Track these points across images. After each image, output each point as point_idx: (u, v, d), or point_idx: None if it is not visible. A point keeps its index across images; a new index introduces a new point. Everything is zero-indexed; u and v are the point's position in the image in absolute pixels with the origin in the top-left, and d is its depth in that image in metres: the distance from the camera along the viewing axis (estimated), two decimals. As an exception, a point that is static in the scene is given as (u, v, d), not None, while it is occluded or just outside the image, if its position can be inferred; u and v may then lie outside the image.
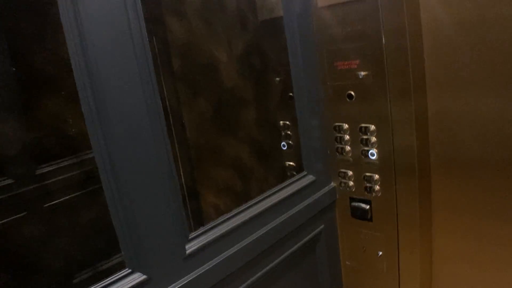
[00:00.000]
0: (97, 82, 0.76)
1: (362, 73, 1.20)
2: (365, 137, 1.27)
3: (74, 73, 0.75)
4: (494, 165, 1.11)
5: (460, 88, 1.13)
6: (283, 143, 1.60)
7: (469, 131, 1.14)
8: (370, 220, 1.35)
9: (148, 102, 0.84)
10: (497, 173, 1.11)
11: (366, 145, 1.28)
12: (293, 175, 1.39)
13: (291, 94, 1.45)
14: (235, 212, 1.11)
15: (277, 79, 1.52)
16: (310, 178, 1.34)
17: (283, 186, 1.27)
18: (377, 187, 1.30)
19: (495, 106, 1.07)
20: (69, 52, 0.74)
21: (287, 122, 1.56)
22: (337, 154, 1.36)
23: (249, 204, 1.15)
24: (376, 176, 1.29)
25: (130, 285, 0.83)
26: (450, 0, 1.08)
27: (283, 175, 1.67)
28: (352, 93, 1.25)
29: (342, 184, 1.39)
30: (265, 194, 1.21)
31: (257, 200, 1.18)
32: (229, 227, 1.06)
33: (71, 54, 0.74)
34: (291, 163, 1.62)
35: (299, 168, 1.48)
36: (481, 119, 1.10)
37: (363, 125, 1.27)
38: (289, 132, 1.57)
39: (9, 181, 1.63)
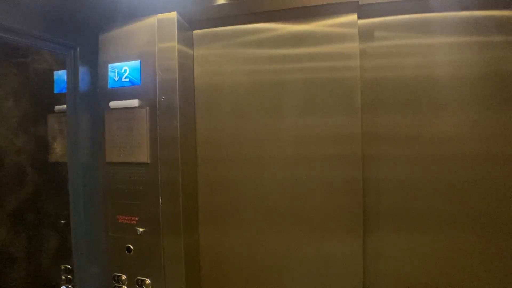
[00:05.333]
0: None
1: (140, 229, 1.29)
2: (141, 289, 1.31)
3: None
4: None
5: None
6: (63, 287, 1.48)
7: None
8: None
9: None
10: None
11: (142, 297, 1.30)
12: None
13: (73, 239, 1.41)
14: None
15: (62, 221, 1.47)
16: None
17: None
18: None
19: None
20: None
21: (68, 266, 1.47)
22: (115, 304, 1.33)
23: None
24: (149, 330, 1.30)
25: None
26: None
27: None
28: (131, 246, 1.31)
29: (117, 337, 1.34)
30: None
31: None
32: None
33: None
34: (72, 307, 1.49)
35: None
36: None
37: (139, 277, 1.31)
38: (70, 277, 1.47)
39: None
